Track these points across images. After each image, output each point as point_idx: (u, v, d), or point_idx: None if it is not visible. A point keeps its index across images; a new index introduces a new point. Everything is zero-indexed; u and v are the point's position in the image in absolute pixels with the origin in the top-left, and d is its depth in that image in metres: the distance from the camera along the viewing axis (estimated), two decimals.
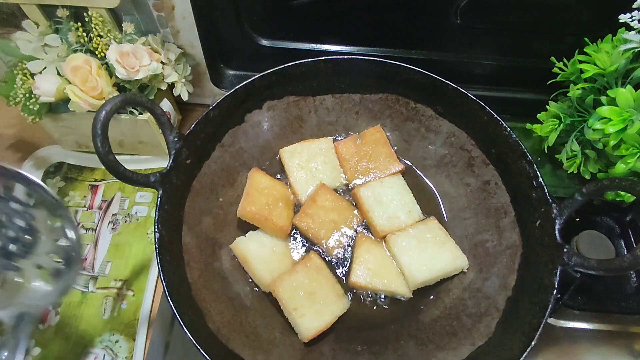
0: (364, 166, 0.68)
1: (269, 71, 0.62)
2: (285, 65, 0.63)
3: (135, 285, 0.67)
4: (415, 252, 0.60)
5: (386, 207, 0.63)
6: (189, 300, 0.52)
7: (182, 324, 0.47)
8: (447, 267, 0.59)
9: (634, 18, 0.54)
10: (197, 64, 0.76)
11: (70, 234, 0.47)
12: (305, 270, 0.58)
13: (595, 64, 0.58)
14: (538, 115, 0.69)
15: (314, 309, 0.56)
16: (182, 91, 0.73)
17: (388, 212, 0.63)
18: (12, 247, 0.44)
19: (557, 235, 0.51)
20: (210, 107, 0.59)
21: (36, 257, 0.46)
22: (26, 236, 0.45)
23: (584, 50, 0.60)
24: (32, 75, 0.64)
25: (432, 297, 0.60)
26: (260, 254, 0.60)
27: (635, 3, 0.54)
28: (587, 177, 0.65)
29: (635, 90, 0.54)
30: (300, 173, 0.67)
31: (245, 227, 0.63)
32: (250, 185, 0.62)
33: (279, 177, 0.68)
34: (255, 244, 0.60)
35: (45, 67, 0.64)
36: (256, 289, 0.60)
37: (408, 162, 0.70)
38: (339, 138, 0.72)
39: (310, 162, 0.67)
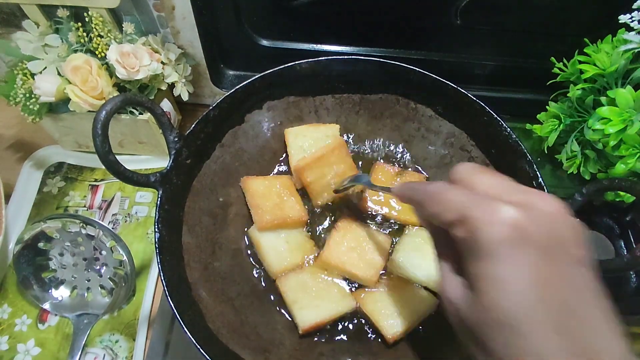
0: (388, 206, 0.65)
1: (269, 71, 0.62)
2: (285, 65, 0.63)
3: (136, 285, 0.67)
4: (422, 260, 0.59)
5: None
6: (189, 300, 0.52)
7: (182, 324, 0.47)
8: None
9: (633, 18, 0.54)
10: (197, 64, 0.76)
11: (126, 268, 0.63)
12: (313, 272, 0.59)
13: (595, 65, 0.58)
14: (538, 116, 0.69)
15: (314, 303, 0.56)
16: (182, 91, 0.73)
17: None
18: (91, 274, 0.64)
19: None
20: (211, 107, 0.59)
21: (101, 280, 0.64)
22: (97, 268, 0.64)
23: (584, 50, 0.60)
24: (32, 75, 0.64)
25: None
26: (273, 243, 0.60)
27: (635, 4, 0.54)
28: (587, 177, 0.65)
29: (635, 91, 0.54)
30: (301, 156, 0.66)
31: (247, 224, 0.62)
32: (251, 197, 0.62)
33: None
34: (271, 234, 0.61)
35: (46, 67, 0.64)
36: (257, 288, 0.60)
37: (408, 163, 0.70)
38: (345, 138, 0.71)
39: (313, 147, 0.66)
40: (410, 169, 0.69)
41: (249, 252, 0.63)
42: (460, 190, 0.33)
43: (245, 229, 0.64)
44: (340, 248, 0.59)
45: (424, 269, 0.58)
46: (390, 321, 0.56)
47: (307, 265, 0.61)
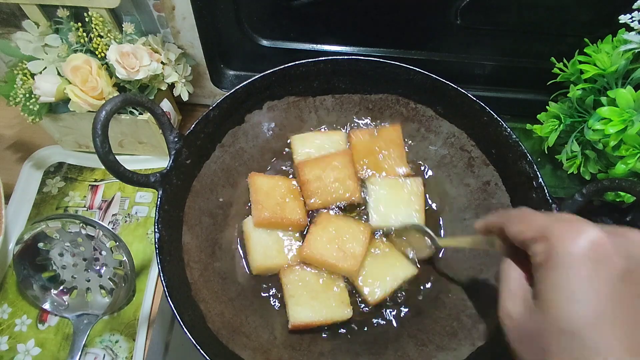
0: (371, 159, 0.67)
1: (269, 71, 0.62)
2: (285, 65, 0.63)
3: (135, 285, 0.67)
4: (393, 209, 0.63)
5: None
6: (189, 300, 0.52)
7: (182, 324, 0.47)
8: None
9: (634, 19, 0.54)
10: (197, 64, 0.76)
11: (126, 268, 0.63)
12: (319, 272, 0.59)
13: (595, 65, 0.58)
14: (538, 116, 0.69)
15: (310, 303, 0.56)
16: (182, 91, 0.73)
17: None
18: (91, 274, 0.64)
19: None
20: (211, 108, 0.59)
21: (101, 280, 0.64)
22: (97, 268, 0.64)
23: (584, 50, 0.60)
24: (32, 75, 0.64)
25: (432, 297, 0.61)
26: (263, 240, 0.61)
27: (636, 4, 0.54)
28: (587, 177, 0.65)
29: (636, 91, 0.54)
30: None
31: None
32: (254, 192, 0.62)
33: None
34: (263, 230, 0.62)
35: (46, 67, 0.64)
36: (257, 289, 0.60)
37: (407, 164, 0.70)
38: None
39: (320, 152, 0.67)
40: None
41: (239, 245, 0.63)
42: (545, 214, 0.34)
43: (242, 219, 0.64)
44: (319, 242, 0.59)
45: (399, 214, 0.63)
46: (371, 288, 0.58)
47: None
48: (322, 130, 0.70)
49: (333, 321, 0.56)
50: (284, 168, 0.69)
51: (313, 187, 0.64)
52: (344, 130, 0.70)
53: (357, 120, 0.71)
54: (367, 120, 0.70)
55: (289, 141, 0.69)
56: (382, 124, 0.70)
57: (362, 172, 0.67)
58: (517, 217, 0.36)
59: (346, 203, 0.65)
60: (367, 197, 0.65)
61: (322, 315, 0.56)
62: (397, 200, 0.64)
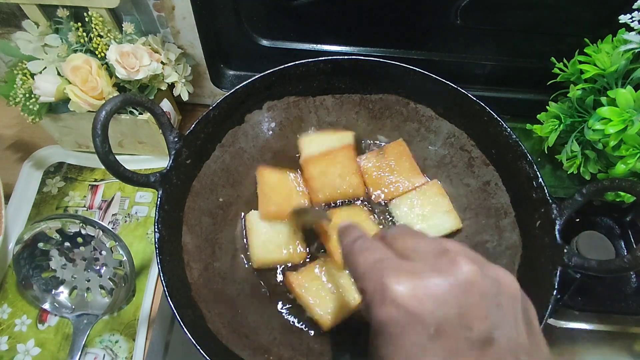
0: (387, 180, 0.67)
1: (269, 71, 0.62)
2: (285, 65, 0.63)
3: (135, 285, 0.67)
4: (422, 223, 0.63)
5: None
6: (189, 300, 0.52)
7: (182, 324, 0.47)
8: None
9: (634, 18, 0.54)
10: (197, 64, 0.76)
11: (125, 268, 0.63)
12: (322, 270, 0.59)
13: (595, 65, 0.58)
14: (538, 116, 0.69)
15: (330, 305, 0.57)
16: (182, 91, 0.73)
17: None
18: (91, 274, 0.64)
19: (557, 235, 0.51)
20: (211, 107, 0.59)
21: (101, 280, 0.64)
22: (97, 268, 0.64)
23: (584, 50, 0.60)
24: (32, 75, 0.64)
25: None
26: (266, 232, 0.61)
27: (636, 4, 0.54)
28: (587, 177, 0.65)
29: (636, 91, 0.54)
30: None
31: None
32: (262, 185, 0.63)
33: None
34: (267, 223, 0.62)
35: (45, 67, 0.64)
36: (257, 288, 0.60)
37: None
38: None
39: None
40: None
41: (244, 238, 0.63)
42: (371, 253, 0.33)
43: (243, 214, 0.64)
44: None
45: (433, 224, 0.62)
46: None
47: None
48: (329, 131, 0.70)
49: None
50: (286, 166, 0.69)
51: (318, 183, 0.64)
52: (351, 133, 0.69)
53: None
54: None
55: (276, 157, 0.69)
56: (383, 143, 0.70)
57: (383, 195, 0.66)
58: (350, 253, 0.34)
59: (350, 199, 0.66)
60: (396, 223, 0.64)
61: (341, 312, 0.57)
62: (424, 211, 0.63)
